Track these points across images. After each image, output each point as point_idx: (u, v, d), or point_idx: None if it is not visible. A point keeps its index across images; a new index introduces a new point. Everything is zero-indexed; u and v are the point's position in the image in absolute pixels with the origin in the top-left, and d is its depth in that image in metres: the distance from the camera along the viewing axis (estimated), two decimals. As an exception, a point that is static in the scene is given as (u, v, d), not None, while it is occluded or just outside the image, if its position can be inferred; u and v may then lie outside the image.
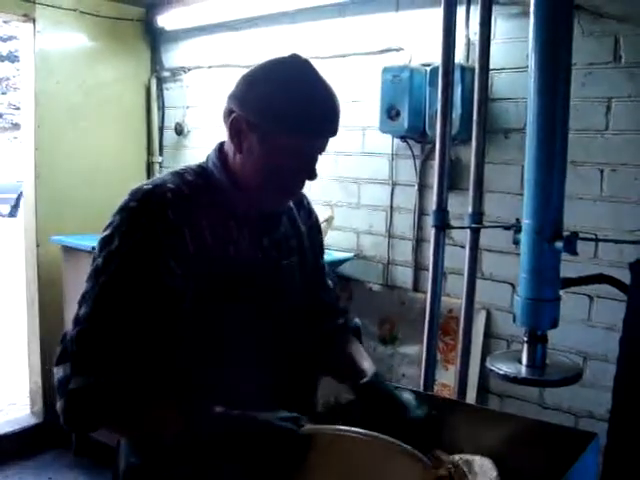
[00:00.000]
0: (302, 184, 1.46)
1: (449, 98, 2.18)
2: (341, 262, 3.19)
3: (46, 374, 3.87)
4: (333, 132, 1.40)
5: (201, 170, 1.47)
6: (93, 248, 3.25)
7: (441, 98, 2.18)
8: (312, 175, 1.44)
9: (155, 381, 1.30)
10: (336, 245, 3.27)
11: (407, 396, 1.56)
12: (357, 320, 1.81)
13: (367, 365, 1.60)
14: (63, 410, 1.30)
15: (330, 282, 1.74)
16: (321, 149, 1.42)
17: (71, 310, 3.64)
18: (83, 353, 1.27)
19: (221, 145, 1.51)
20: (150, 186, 1.39)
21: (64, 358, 1.29)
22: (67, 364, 1.28)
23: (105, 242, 1.39)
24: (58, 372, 1.29)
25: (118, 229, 1.37)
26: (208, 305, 1.37)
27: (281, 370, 1.49)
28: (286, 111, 1.33)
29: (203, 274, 1.35)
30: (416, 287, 3.07)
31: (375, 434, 1.20)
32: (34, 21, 3.64)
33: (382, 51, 3.12)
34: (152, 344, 1.30)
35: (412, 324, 3.04)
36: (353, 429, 1.21)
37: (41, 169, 3.75)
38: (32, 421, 3.95)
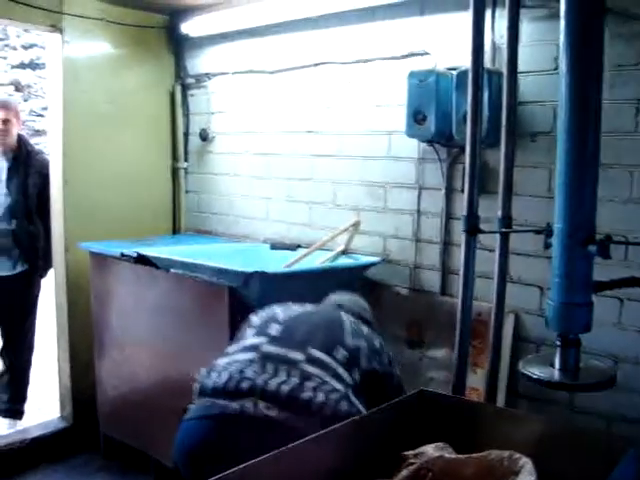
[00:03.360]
0: None
1: (479, 102, 2.18)
2: (368, 266, 3.19)
3: (75, 378, 3.91)
4: None
5: None
6: (121, 254, 3.33)
7: (471, 102, 2.19)
8: None
9: None
10: (363, 249, 3.28)
11: None
12: None
13: None
14: None
15: None
16: None
17: (99, 315, 3.72)
18: None
19: None
20: None
21: None
22: None
23: None
24: None
25: None
26: None
27: None
28: None
29: None
30: (444, 291, 3.06)
31: None
32: (62, 31, 3.68)
33: (407, 55, 3.12)
34: None
35: (440, 328, 3.04)
36: None
37: (69, 176, 3.79)
38: (62, 425, 3.97)
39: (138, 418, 3.43)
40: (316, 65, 3.47)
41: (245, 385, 1.95)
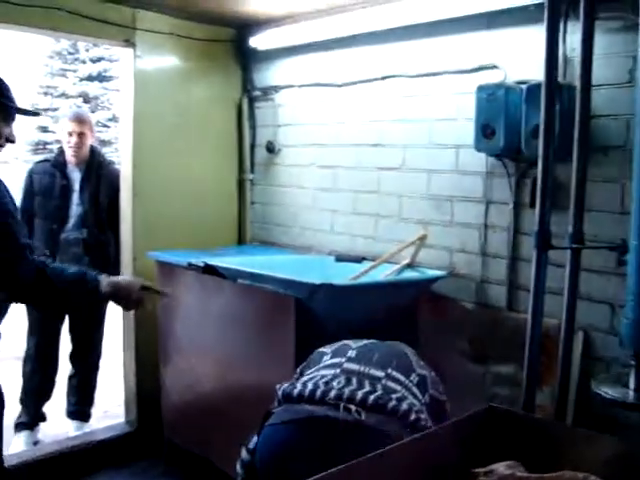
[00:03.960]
0: None
1: (553, 116, 2.16)
2: (434, 280, 3.18)
3: (140, 384, 3.99)
4: None
5: None
6: (189, 264, 3.38)
7: (544, 116, 2.17)
8: None
9: None
10: (429, 263, 3.26)
11: None
12: None
13: None
14: None
15: None
16: None
17: (165, 323, 3.78)
18: None
19: None
20: None
21: None
22: None
23: None
24: None
25: None
26: None
27: None
28: None
29: None
30: (510, 306, 3.02)
31: None
32: (134, 46, 3.78)
33: (475, 69, 3.11)
34: None
35: (505, 343, 3.00)
36: None
37: (138, 186, 3.88)
38: (126, 429, 4.05)
39: (201, 426, 3.47)
40: (383, 78, 3.48)
41: (332, 394, 1.97)
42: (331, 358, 2.21)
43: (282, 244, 4.10)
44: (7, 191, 2.42)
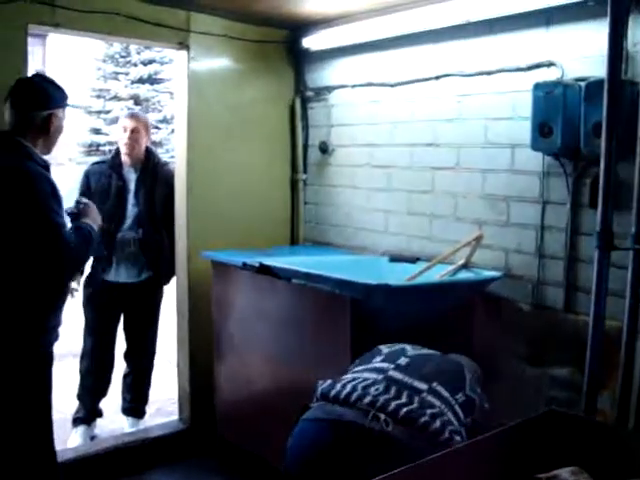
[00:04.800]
0: None
1: (616, 114, 2.11)
2: (490, 281, 3.14)
3: (194, 382, 4.04)
4: None
5: None
6: (243, 264, 3.41)
7: (607, 114, 2.13)
8: None
9: None
10: (484, 263, 3.23)
11: None
12: None
13: None
14: None
15: None
16: None
17: (219, 322, 3.82)
18: None
19: None
20: None
21: None
22: None
23: None
24: None
25: None
26: None
27: None
28: None
29: None
30: (568, 308, 2.96)
31: None
32: (188, 48, 3.83)
33: (531, 67, 3.06)
34: None
35: (562, 346, 2.95)
36: None
37: (192, 187, 3.93)
38: (180, 427, 4.10)
39: (254, 424, 3.49)
40: (437, 78, 3.46)
41: (366, 400, 2.00)
42: (381, 362, 2.22)
43: (335, 244, 4.10)
44: (51, 192, 2.52)
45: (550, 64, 2.99)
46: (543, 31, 3.02)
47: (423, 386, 2.08)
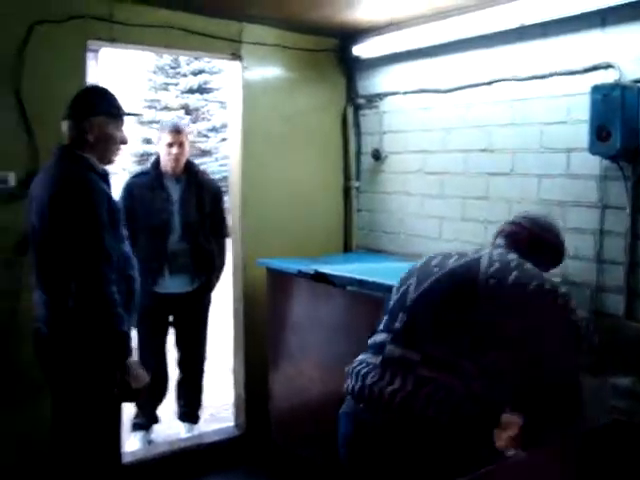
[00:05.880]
0: None
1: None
2: (546, 287, 3.10)
3: (249, 388, 4.08)
4: None
5: None
6: (299, 271, 3.43)
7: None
8: None
9: None
10: (540, 269, 3.19)
11: None
12: None
13: None
14: None
15: None
16: None
17: (274, 329, 3.83)
18: None
19: None
20: None
21: None
22: None
23: None
24: None
25: None
26: None
27: None
28: None
29: None
30: (629, 314, 2.91)
31: None
32: (241, 58, 3.89)
33: (587, 69, 3.02)
34: None
35: (624, 353, 2.89)
36: None
37: (247, 196, 3.98)
38: (236, 433, 4.16)
39: (309, 430, 3.50)
40: (490, 83, 3.44)
41: (366, 392, 2.07)
42: (382, 330, 2.21)
43: (389, 251, 4.10)
44: (106, 201, 2.56)
45: (608, 66, 2.94)
46: (599, 32, 2.98)
47: (416, 356, 2.02)
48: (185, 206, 4.01)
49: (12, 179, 3.15)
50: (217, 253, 4.11)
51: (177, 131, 4.02)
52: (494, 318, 1.99)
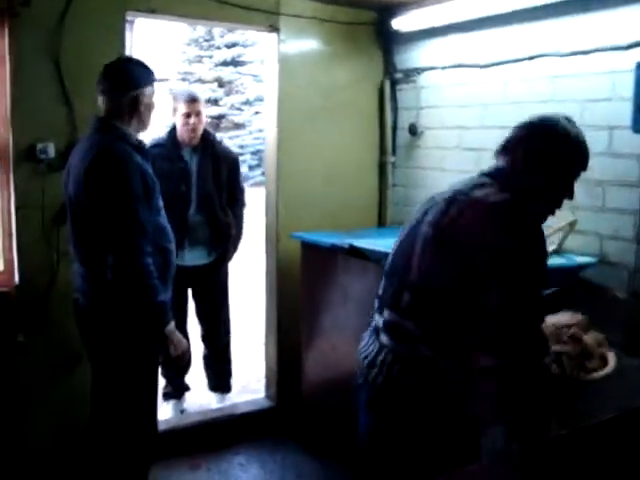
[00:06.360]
0: None
1: None
2: (583, 267, 3.07)
3: (281, 361, 4.12)
4: None
5: None
6: (333, 245, 3.41)
7: None
8: None
9: None
10: (577, 249, 3.15)
11: None
12: None
13: None
14: None
15: None
16: None
17: (307, 303, 3.81)
18: None
19: None
20: None
21: None
22: None
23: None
24: None
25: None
26: None
27: None
28: None
29: None
30: (667, 296, 2.88)
31: None
32: (278, 31, 3.87)
33: (631, 45, 2.95)
34: None
35: (661, 335, 2.86)
36: None
37: (282, 169, 3.98)
38: (267, 404, 4.21)
39: (341, 407, 3.51)
40: (530, 59, 3.38)
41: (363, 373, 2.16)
42: (378, 308, 2.26)
43: (423, 227, 4.06)
44: (140, 173, 2.58)
45: (653, 42, 2.88)
46: (644, 6, 2.91)
47: (410, 325, 2.01)
48: (202, 177, 3.94)
49: (52, 150, 3.18)
50: (234, 223, 4.08)
51: (193, 100, 3.92)
52: None
